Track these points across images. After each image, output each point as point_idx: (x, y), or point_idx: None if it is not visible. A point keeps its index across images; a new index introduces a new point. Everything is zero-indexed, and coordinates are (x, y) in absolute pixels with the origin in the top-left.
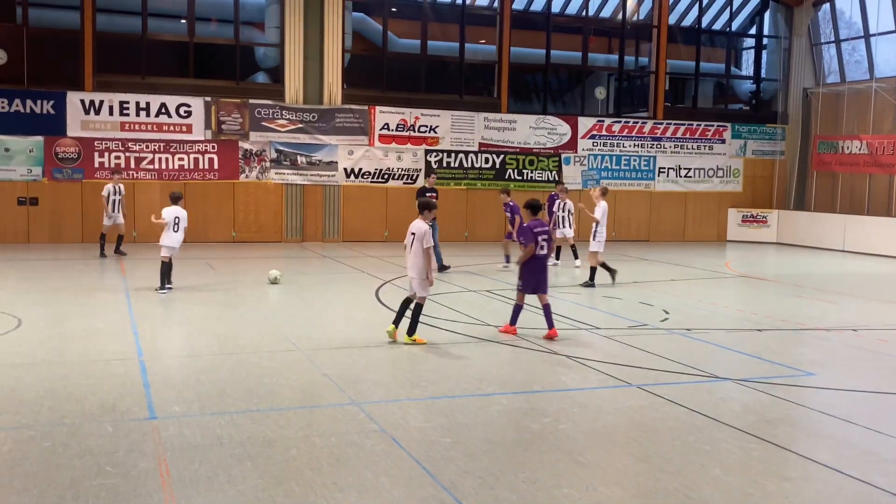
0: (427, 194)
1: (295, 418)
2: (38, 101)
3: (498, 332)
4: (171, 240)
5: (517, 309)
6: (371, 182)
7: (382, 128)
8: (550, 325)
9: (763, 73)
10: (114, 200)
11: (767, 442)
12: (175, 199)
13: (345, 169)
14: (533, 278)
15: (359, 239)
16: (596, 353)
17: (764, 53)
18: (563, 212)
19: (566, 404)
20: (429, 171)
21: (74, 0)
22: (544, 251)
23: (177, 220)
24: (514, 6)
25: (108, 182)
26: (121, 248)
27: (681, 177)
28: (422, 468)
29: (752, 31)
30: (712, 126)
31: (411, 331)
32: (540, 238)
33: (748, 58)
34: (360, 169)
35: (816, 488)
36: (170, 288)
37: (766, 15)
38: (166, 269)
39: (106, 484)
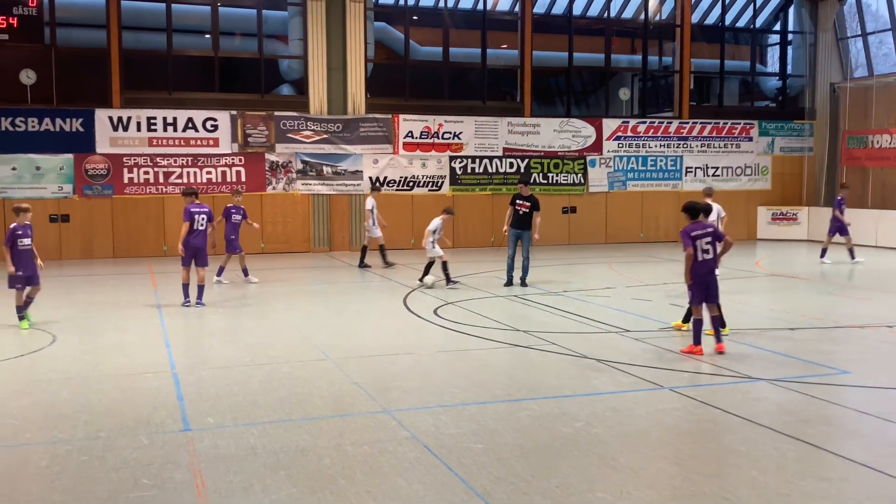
0: (518, 201)
1: (327, 427)
2: (68, 120)
3: (680, 353)
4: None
5: (697, 324)
6: (396, 190)
7: (406, 136)
8: (696, 340)
9: (789, 70)
10: (377, 214)
11: (803, 442)
12: (445, 212)
13: (370, 178)
14: (699, 287)
15: (385, 247)
16: (626, 356)
17: (789, 49)
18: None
19: (598, 408)
20: (522, 179)
21: (101, 19)
22: (709, 255)
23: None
24: (536, 10)
25: (369, 196)
26: (366, 262)
27: (708, 176)
28: (454, 475)
29: (777, 27)
30: (739, 124)
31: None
32: (702, 241)
33: (773, 54)
34: (385, 177)
35: (855, 488)
36: (454, 282)
37: (791, 10)
38: (444, 266)
39: (143, 496)
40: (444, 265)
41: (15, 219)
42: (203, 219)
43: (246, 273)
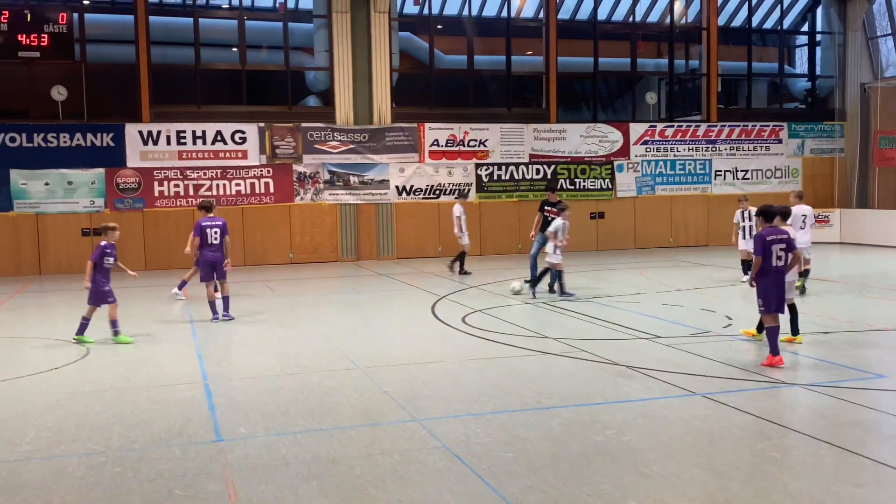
0: (546, 207)
1: (357, 436)
2: (98, 135)
3: (760, 366)
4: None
5: (773, 333)
6: (423, 198)
7: (432, 144)
8: (774, 350)
9: (818, 70)
10: (463, 221)
11: (838, 447)
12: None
13: (396, 186)
14: (773, 295)
15: (413, 255)
16: (658, 363)
17: (818, 50)
18: (749, 221)
19: (629, 415)
20: (550, 185)
21: (129, 35)
22: (782, 262)
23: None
24: (560, 16)
25: (456, 203)
26: (465, 268)
27: (738, 179)
28: (485, 484)
29: (805, 28)
30: (768, 126)
31: (796, 331)
32: (777, 248)
33: (802, 55)
34: (412, 186)
35: (892, 493)
36: (570, 295)
37: (819, 11)
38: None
39: None
40: (560, 275)
41: (103, 237)
42: (216, 232)
43: (182, 286)
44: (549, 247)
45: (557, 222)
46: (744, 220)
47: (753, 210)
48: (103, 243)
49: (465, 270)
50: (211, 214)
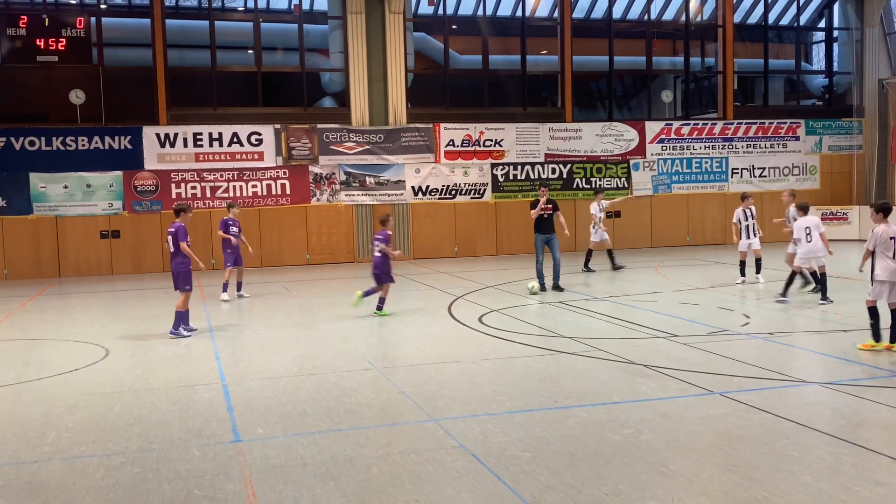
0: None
1: (375, 436)
2: (116, 138)
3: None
4: (804, 250)
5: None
6: (439, 199)
7: (448, 144)
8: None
9: (835, 67)
10: (600, 217)
11: (859, 446)
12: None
13: (412, 187)
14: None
15: (429, 256)
16: (675, 362)
17: (835, 46)
18: (752, 220)
19: (647, 414)
20: (543, 183)
21: (146, 38)
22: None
23: (808, 229)
24: (575, 15)
25: (593, 201)
26: (616, 262)
27: (755, 177)
28: (503, 483)
29: (822, 24)
30: (785, 123)
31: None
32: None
33: (819, 52)
34: (428, 186)
35: None
36: (785, 300)
37: (836, 7)
38: (793, 279)
39: None
40: (816, 275)
41: (382, 227)
42: (169, 239)
43: (239, 287)
44: (792, 247)
45: (815, 219)
46: (746, 219)
47: (754, 209)
48: (389, 232)
49: (589, 268)
50: (178, 220)
